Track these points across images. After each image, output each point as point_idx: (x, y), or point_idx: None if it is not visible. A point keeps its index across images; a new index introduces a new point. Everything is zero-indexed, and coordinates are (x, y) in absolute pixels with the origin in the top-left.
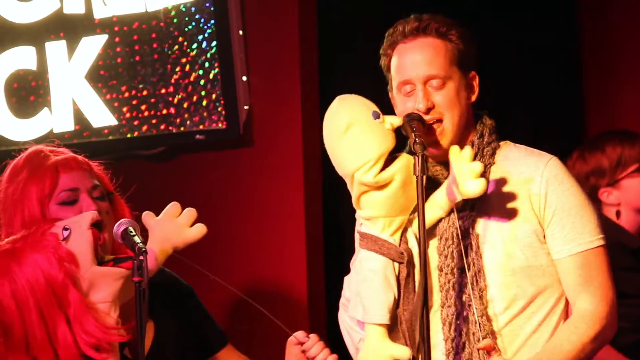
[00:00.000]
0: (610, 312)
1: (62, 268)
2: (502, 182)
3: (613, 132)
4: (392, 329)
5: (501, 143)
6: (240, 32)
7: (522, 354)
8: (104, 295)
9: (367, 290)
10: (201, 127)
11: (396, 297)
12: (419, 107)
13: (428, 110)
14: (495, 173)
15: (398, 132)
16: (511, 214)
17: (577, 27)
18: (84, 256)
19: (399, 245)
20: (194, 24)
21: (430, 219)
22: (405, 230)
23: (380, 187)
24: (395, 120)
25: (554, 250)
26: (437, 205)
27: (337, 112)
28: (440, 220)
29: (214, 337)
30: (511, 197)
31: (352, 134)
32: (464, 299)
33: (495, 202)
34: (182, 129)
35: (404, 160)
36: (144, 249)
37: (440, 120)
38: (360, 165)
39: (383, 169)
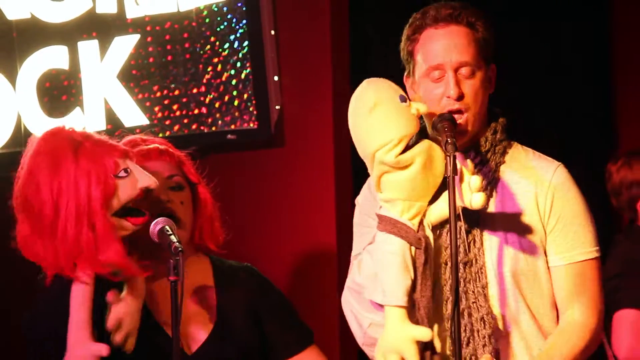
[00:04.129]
0: (599, 325)
1: (102, 192)
2: (510, 183)
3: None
4: (410, 313)
5: (513, 142)
6: (272, 32)
7: (517, 354)
8: None
9: (386, 273)
10: (232, 127)
11: (413, 281)
12: (450, 93)
13: (459, 98)
14: (504, 173)
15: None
16: (517, 217)
17: (610, 27)
18: (114, 201)
19: (417, 231)
20: (225, 23)
21: (440, 215)
22: (422, 220)
23: (401, 168)
24: (421, 107)
25: (553, 257)
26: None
27: (364, 93)
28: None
29: (285, 340)
30: (518, 199)
31: (377, 113)
32: (468, 294)
33: (502, 203)
34: (213, 128)
35: (426, 144)
36: (180, 249)
37: (462, 112)
38: (382, 144)
39: (404, 152)
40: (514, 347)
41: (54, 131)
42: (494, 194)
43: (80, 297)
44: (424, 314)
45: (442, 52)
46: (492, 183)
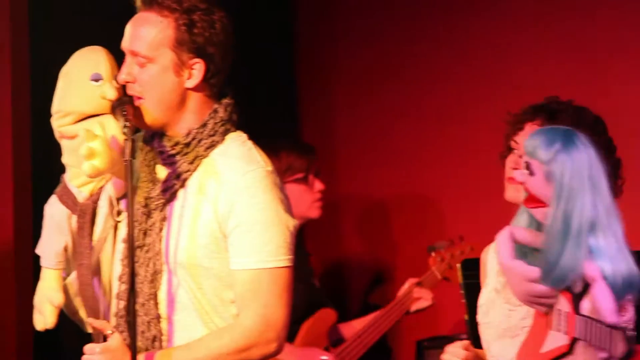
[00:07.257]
0: (266, 332)
1: None
2: (202, 177)
3: (291, 141)
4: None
5: (232, 134)
6: None
7: (175, 343)
8: None
9: (43, 233)
10: None
11: (69, 246)
12: (119, 78)
13: (126, 83)
14: (202, 166)
15: None
16: (197, 212)
17: (293, 24)
18: None
19: (87, 199)
20: None
21: (118, 190)
22: (101, 189)
23: (68, 137)
24: (109, 92)
25: (231, 260)
26: None
27: (71, 58)
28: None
29: None
30: (203, 196)
31: (63, 82)
32: (137, 277)
33: (189, 196)
34: None
35: (94, 122)
36: None
37: (137, 98)
38: (55, 111)
39: None
40: (172, 336)
41: None
42: (184, 185)
43: None
44: (80, 280)
45: (124, 37)
46: (183, 174)
